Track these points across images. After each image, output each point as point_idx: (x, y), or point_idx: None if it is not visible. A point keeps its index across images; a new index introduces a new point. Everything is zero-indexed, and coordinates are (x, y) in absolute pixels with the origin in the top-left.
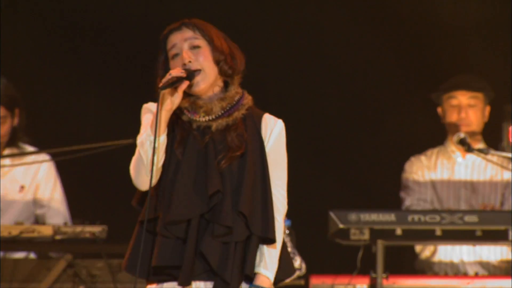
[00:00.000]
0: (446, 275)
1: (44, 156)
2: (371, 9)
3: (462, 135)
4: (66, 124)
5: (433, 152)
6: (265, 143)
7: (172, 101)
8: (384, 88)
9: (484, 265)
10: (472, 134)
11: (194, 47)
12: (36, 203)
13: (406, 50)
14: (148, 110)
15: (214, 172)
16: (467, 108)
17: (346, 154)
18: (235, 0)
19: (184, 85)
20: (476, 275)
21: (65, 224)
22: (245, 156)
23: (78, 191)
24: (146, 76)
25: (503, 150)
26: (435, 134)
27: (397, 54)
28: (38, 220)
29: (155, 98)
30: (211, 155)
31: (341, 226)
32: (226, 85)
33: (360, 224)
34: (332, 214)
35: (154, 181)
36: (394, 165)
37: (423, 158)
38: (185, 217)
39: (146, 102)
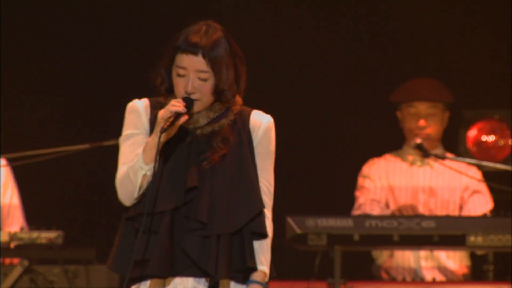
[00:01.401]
0: (404, 280)
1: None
2: (329, 10)
3: (418, 141)
4: (22, 128)
5: (391, 156)
6: (254, 139)
7: (168, 133)
8: (342, 91)
9: (442, 270)
10: (430, 140)
11: (201, 79)
12: None
13: (365, 52)
14: (133, 110)
15: (193, 169)
16: (426, 117)
17: (304, 159)
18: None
19: (183, 120)
20: (434, 281)
21: (22, 229)
22: (228, 156)
23: (33, 196)
24: (103, 82)
25: (460, 155)
26: (394, 138)
27: (355, 55)
28: None
29: (139, 95)
30: (193, 153)
31: (298, 231)
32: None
33: (318, 229)
34: (289, 220)
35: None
36: (352, 170)
37: (381, 161)
38: (158, 209)
39: (103, 108)
